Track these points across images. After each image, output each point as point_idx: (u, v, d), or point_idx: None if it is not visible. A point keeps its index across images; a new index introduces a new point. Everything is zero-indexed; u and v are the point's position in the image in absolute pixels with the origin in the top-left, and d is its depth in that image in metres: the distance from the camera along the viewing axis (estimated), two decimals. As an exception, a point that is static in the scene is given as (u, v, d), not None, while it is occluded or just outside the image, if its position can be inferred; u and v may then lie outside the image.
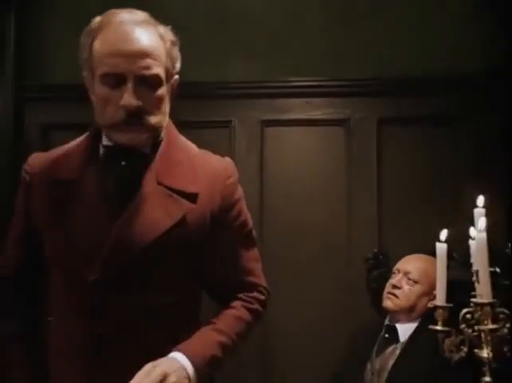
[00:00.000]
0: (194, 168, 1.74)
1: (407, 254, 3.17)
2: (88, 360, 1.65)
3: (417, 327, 2.83)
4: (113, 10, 1.68)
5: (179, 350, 1.59)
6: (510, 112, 2.71)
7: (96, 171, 1.70)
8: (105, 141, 1.70)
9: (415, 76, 3.56)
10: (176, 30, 3.66)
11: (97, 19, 1.68)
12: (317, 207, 3.63)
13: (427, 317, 2.75)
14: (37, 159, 1.78)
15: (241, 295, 1.78)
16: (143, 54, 1.62)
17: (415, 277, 2.87)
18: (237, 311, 1.74)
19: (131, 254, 1.64)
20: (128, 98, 1.60)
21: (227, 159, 1.84)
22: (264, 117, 3.63)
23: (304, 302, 3.55)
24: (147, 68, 1.62)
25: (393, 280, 2.91)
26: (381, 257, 3.29)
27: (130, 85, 1.60)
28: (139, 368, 1.52)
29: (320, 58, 3.67)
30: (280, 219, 3.63)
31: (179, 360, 1.56)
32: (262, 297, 1.82)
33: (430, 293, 2.84)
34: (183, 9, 3.74)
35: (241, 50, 3.68)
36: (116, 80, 1.61)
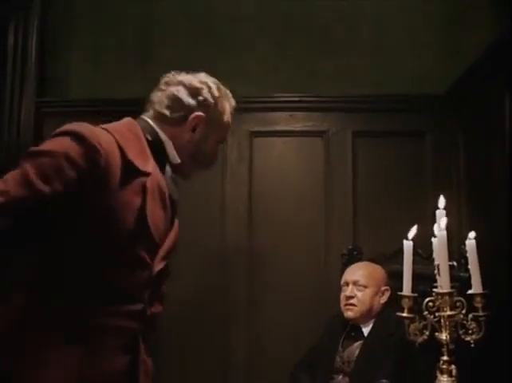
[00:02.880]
0: None
1: (378, 250, 3.23)
2: (137, 336, 1.72)
3: (373, 324, 2.87)
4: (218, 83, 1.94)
5: None
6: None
7: (162, 174, 1.79)
8: (174, 160, 1.84)
9: (385, 95, 3.60)
10: (177, 56, 3.68)
11: (224, 88, 1.95)
12: (298, 207, 3.63)
13: (380, 314, 2.88)
14: (104, 141, 1.60)
15: None
16: None
17: (363, 283, 2.89)
18: None
19: (172, 253, 1.84)
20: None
21: None
22: (253, 129, 3.64)
23: (287, 290, 3.56)
24: None
25: (346, 293, 2.91)
26: (355, 253, 3.30)
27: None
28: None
29: (302, 78, 3.70)
30: (266, 217, 3.63)
31: None
32: None
33: (379, 291, 2.90)
34: (182, 36, 3.81)
35: (233, 71, 3.68)
36: None
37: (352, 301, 2.88)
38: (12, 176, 1.56)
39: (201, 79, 1.90)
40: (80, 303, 1.59)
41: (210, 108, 1.87)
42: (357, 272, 2.97)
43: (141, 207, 1.64)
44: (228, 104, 1.94)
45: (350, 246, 3.36)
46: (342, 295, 2.95)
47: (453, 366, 2.01)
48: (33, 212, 1.54)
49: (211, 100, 1.87)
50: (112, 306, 1.63)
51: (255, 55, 3.76)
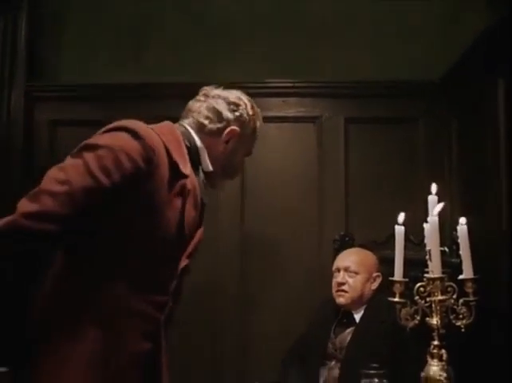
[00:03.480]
0: None
1: (370, 236, 3.25)
2: (160, 325, 1.81)
3: (365, 310, 2.90)
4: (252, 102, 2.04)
5: None
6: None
7: (195, 179, 1.88)
8: (206, 167, 1.95)
9: (378, 81, 3.60)
10: (171, 42, 3.67)
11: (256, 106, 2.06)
12: (291, 193, 3.64)
13: (372, 300, 2.91)
14: (155, 140, 1.70)
15: None
16: None
17: (354, 269, 2.92)
18: None
19: (196, 253, 1.94)
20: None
21: None
22: (245, 115, 3.63)
23: (280, 276, 3.60)
24: None
25: (337, 279, 2.94)
26: (347, 239, 3.32)
27: None
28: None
29: (295, 63, 3.70)
30: (259, 203, 3.64)
31: None
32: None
33: (370, 278, 2.93)
34: (176, 21, 3.80)
35: (226, 57, 3.71)
36: None
37: (343, 287, 2.90)
38: (71, 166, 1.63)
39: (238, 95, 2.01)
40: (111, 288, 1.68)
41: (244, 124, 1.98)
42: (348, 258, 2.99)
43: (181, 207, 1.76)
44: (258, 123, 2.05)
45: (342, 232, 3.38)
46: (334, 281, 2.97)
47: (443, 351, 2.03)
48: (91, 203, 1.61)
49: (246, 117, 1.98)
50: (141, 294, 1.73)
51: (248, 41, 3.75)
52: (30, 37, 3.71)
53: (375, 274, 2.94)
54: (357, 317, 2.89)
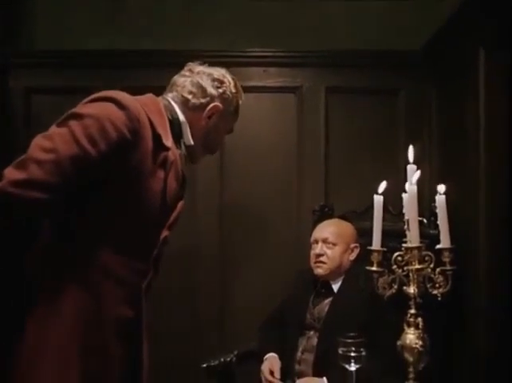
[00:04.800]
0: None
1: (350, 207, 3.27)
2: (141, 284, 1.87)
3: (343, 281, 2.93)
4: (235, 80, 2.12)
5: None
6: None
7: (177, 152, 1.93)
8: (188, 141, 2.01)
9: (360, 51, 3.58)
10: (148, 9, 3.60)
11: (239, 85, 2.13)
12: (271, 164, 3.65)
13: (350, 270, 2.95)
14: (140, 111, 1.75)
15: None
16: None
17: (333, 240, 2.93)
18: None
19: (175, 225, 1.98)
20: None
21: None
22: (225, 84, 3.60)
23: (259, 247, 3.62)
24: None
25: (315, 250, 2.95)
26: (326, 209, 3.33)
27: None
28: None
29: (276, 32, 3.66)
30: (238, 174, 3.65)
31: None
32: None
33: (348, 249, 2.95)
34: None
35: (206, 25, 3.66)
36: None
37: (321, 258, 2.92)
38: (58, 135, 1.65)
39: (222, 73, 2.07)
40: (97, 255, 1.73)
41: (227, 101, 2.05)
42: (326, 230, 3.00)
43: (164, 178, 1.82)
44: (240, 101, 2.14)
45: (322, 203, 3.40)
46: (312, 253, 2.98)
47: (420, 319, 2.08)
48: (78, 172, 1.64)
49: (230, 95, 2.06)
50: (126, 262, 1.79)
51: (229, 9, 3.70)
52: (3, 2, 3.62)
53: (353, 245, 2.96)
54: (335, 287, 2.92)
